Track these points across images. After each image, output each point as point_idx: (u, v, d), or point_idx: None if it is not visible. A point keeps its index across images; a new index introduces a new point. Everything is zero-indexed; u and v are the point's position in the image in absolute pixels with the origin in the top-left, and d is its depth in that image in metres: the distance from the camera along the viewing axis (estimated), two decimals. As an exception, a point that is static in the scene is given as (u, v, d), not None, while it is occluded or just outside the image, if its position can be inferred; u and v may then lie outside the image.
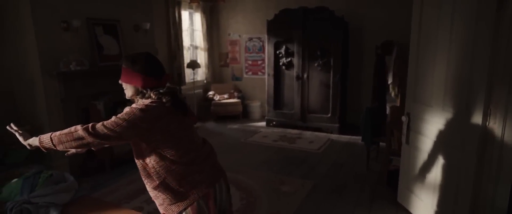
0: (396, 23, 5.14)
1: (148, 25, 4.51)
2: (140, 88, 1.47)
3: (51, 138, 1.36)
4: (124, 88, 1.54)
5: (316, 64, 5.33)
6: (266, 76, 5.89)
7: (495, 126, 1.91)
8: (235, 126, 6.03)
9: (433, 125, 2.37)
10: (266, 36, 5.75)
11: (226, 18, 6.80)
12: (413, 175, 2.66)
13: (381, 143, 4.01)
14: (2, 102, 3.55)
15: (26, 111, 3.62)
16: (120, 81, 1.54)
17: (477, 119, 1.98)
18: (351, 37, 5.51)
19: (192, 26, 6.54)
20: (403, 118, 2.67)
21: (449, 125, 2.22)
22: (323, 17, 5.17)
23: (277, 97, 5.79)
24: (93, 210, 2.17)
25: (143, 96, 1.47)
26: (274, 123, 5.89)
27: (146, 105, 1.39)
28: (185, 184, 1.46)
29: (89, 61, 3.72)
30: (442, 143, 2.29)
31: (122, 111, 1.43)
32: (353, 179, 3.56)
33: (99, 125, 1.34)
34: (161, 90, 1.45)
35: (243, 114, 6.60)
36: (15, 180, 2.35)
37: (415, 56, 2.56)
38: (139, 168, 1.52)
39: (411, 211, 2.71)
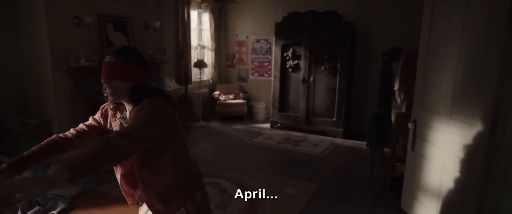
0: (405, 30, 5.14)
1: (157, 24, 4.55)
2: (137, 85, 1.31)
3: (87, 159, 0.99)
4: (113, 89, 1.29)
5: (322, 68, 5.34)
6: (272, 78, 5.92)
7: (503, 137, 1.91)
8: (240, 127, 6.06)
9: (439, 133, 2.38)
10: (273, 38, 5.78)
11: (234, 19, 6.84)
12: (417, 182, 2.66)
13: (385, 149, 4.02)
14: (13, 94, 3.61)
15: (35, 104, 3.68)
16: (106, 80, 1.28)
17: (485, 129, 1.98)
18: (359, 43, 5.52)
19: (200, 26, 6.58)
20: (410, 125, 2.68)
21: (456, 133, 2.22)
22: (331, 21, 5.18)
23: (283, 100, 5.81)
24: (100, 204, 2.19)
25: (144, 94, 1.29)
26: (278, 125, 5.91)
27: (161, 102, 1.29)
28: (192, 178, 1.47)
29: (99, 57, 3.76)
30: (448, 151, 2.30)
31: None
32: (357, 183, 3.56)
33: (129, 130, 1.13)
34: (157, 87, 1.40)
35: (248, 114, 6.63)
36: (25, 172, 2.39)
37: (423, 64, 2.57)
38: (143, 176, 1.34)
39: (414, 218, 2.72)
